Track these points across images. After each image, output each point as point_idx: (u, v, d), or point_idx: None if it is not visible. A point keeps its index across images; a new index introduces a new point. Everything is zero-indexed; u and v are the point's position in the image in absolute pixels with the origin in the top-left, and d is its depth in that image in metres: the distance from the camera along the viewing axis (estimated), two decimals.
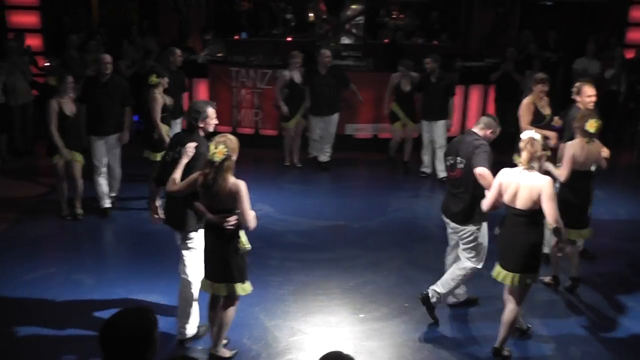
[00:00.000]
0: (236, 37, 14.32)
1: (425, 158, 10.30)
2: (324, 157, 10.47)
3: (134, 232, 7.93)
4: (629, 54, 12.13)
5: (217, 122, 5.67)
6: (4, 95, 10.10)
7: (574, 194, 6.41)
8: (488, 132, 5.91)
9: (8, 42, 10.76)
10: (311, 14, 15.80)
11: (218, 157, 4.85)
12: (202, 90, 11.26)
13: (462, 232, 5.94)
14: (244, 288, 5.17)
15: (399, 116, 10.18)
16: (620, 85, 11.72)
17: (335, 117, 10.28)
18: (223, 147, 4.86)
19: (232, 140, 4.98)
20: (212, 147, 4.90)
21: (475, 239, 5.91)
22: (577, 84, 7.15)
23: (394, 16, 16.77)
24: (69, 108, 7.81)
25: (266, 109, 11.11)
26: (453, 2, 14.99)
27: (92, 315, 5.77)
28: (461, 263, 6.03)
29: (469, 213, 5.85)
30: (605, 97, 11.59)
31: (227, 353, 5.36)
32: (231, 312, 5.24)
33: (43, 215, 8.41)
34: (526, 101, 7.83)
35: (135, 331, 2.80)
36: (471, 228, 5.89)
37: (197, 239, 5.41)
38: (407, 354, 5.57)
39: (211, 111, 5.54)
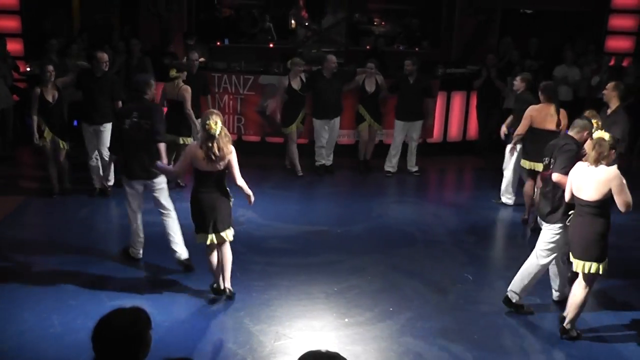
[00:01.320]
0: (218, 43, 14.29)
1: (394, 159, 10.47)
2: (328, 162, 10.55)
3: (117, 236, 7.88)
4: (611, 62, 12.25)
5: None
6: None
7: None
8: (584, 134, 6.14)
9: None
10: (293, 21, 15.82)
11: (221, 130, 5.85)
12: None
13: (548, 229, 6.15)
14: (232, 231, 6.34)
15: (364, 117, 10.33)
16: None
17: (338, 120, 10.36)
18: (220, 121, 5.87)
19: (220, 113, 6.02)
20: (212, 123, 5.80)
21: (555, 238, 6.10)
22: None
23: (375, 23, 16.86)
24: (51, 95, 8.58)
25: (248, 115, 11.07)
26: (434, 10, 15.07)
27: (73, 321, 5.72)
28: (533, 260, 6.28)
29: (554, 212, 6.09)
30: (595, 104, 11.68)
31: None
32: (229, 250, 6.34)
33: (25, 219, 8.38)
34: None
35: (127, 331, 2.78)
36: (554, 227, 6.08)
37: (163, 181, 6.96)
38: (392, 358, 5.56)
39: (153, 82, 7.07)
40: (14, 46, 12.07)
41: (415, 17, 15.61)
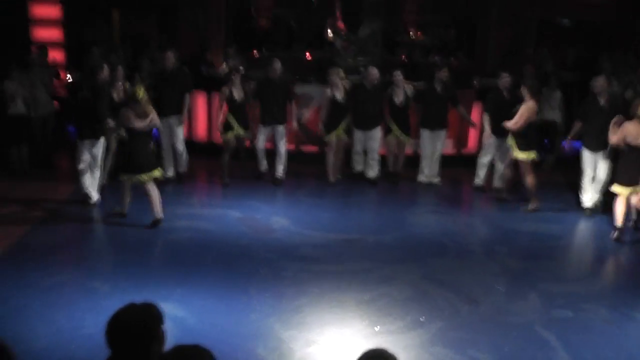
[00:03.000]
0: (254, 52, 14.44)
1: (427, 169, 10.47)
2: (372, 173, 10.51)
3: (149, 241, 7.96)
4: None
5: None
6: (25, 107, 10.22)
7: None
8: None
9: (30, 55, 10.90)
10: (329, 31, 15.88)
11: (143, 96, 7.99)
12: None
13: None
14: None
15: (392, 129, 10.33)
16: None
17: (378, 131, 10.34)
18: (143, 89, 8.09)
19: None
20: (139, 91, 7.97)
21: None
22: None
23: (411, 34, 16.87)
24: (116, 94, 9.44)
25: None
26: (470, 21, 15.04)
27: (105, 321, 5.79)
28: None
29: None
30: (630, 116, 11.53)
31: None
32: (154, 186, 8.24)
33: (59, 223, 8.52)
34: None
35: (140, 325, 2.84)
36: None
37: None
38: None
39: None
40: (56, 55, 12.36)
41: (451, 29, 15.58)
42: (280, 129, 10.22)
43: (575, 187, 9.95)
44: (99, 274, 6.89)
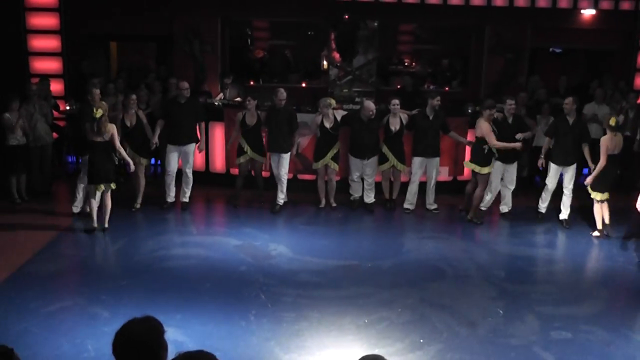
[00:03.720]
0: (252, 82, 14.61)
1: (413, 196, 10.59)
2: (368, 199, 10.61)
3: (149, 267, 8.00)
4: (639, 99, 12.25)
5: None
6: (24, 137, 10.32)
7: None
8: None
9: (30, 86, 11.02)
10: (325, 62, 16.08)
11: (102, 115, 8.79)
12: (218, 132, 11.44)
13: None
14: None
15: (387, 157, 10.42)
16: (635, 132, 11.71)
17: (374, 159, 10.42)
18: (101, 110, 8.81)
19: (104, 104, 9.11)
20: (96, 112, 8.78)
21: None
22: None
23: (406, 64, 17.09)
24: (129, 121, 9.99)
25: None
26: (463, 49, 15.26)
27: (107, 346, 5.81)
28: None
29: None
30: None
31: None
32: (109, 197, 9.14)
33: (59, 251, 8.58)
34: (484, 125, 9.80)
35: (146, 335, 2.92)
36: None
37: None
38: None
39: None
40: (55, 86, 12.47)
41: (444, 57, 15.80)
42: (284, 157, 10.36)
43: (572, 211, 10.14)
44: (99, 301, 6.92)
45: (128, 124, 9.98)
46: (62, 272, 7.97)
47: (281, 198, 10.46)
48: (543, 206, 10.30)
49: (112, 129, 9.03)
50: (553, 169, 9.99)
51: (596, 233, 9.59)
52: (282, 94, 10.28)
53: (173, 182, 10.35)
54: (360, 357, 2.71)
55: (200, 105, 10.76)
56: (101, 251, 8.68)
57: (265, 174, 10.88)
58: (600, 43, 14.40)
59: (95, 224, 9.13)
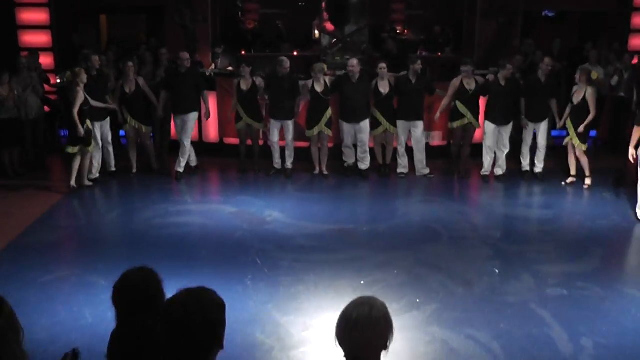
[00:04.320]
0: (243, 52, 14.52)
1: (403, 159, 10.56)
2: (363, 165, 10.54)
3: (145, 236, 8.00)
4: (634, 60, 12.20)
5: None
6: (16, 110, 10.26)
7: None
8: None
9: (20, 60, 10.94)
10: (317, 31, 16.00)
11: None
12: (211, 102, 11.38)
13: None
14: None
15: (380, 122, 10.38)
16: (631, 93, 11.69)
17: (366, 123, 10.35)
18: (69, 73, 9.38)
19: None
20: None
21: None
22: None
23: (398, 31, 17.00)
24: (128, 87, 10.16)
25: None
26: (456, 14, 15.17)
27: (105, 313, 5.83)
28: None
29: None
30: (615, 103, 11.68)
31: None
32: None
33: (55, 222, 8.58)
34: (455, 80, 10.23)
35: (143, 283, 3.00)
36: None
37: None
38: (420, 346, 5.59)
39: None
40: (45, 60, 12.40)
41: (437, 23, 15.71)
42: (289, 123, 10.36)
43: (565, 174, 10.20)
44: (96, 269, 6.91)
45: (127, 90, 10.15)
46: (58, 242, 7.98)
47: (290, 163, 10.55)
48: (525, 164, 10.50)
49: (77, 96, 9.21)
50: (529, 127, 10.33)
51: (570, 180, 10.15)
52: (287, 62, 10.27)
53: (180, 152, 10.38)
54: (353, 299, 2.70)
55: (200, 75, 10.86)
56: (97, 221, 8.67)
57: (260, 142, 10.86)
58: (593, 5, 14.31)
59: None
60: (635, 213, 8.65)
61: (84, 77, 9.36)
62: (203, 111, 10.61)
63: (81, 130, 9.28)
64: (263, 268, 7.08)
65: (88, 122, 9.48)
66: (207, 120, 11.03)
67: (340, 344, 2.58)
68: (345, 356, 2.57)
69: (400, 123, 10.37)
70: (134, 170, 10.46)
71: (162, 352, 2.65)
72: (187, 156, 10.38)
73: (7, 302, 2.37)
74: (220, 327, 2.47)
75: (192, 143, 10.66)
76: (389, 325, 2.59)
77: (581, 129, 9.74)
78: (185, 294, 2.46)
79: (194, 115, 10.38)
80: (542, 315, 6.11)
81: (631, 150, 8.58)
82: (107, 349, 3.08)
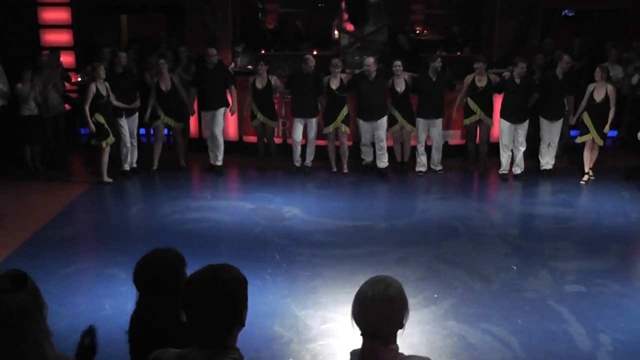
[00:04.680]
0: (263, 51, 14.56)
1: (423, 157, 10.56)
2: (382, 163, 10.51)
3: (165, 230, 8.08)
4: None
5: None
6: (37, 108, 10.39)
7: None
8: None
9: (41, 57, 11.08)
10: (336, 31, 16.01)
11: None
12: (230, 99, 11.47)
13: None
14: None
15: (397, 119, 10.39)
16: None
17: (383, 121, 10.35)
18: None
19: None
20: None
21: None
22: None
23: (417, 31, 16.97)
24: (164, 85, 10.28)
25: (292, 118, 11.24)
26: (475, 13, 15.11)
27: (125, 304, 5.91)
28: None
29: None
30: (635, 102, 11.59)
31: None
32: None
33: (75, 217, 8.71)
34: (468, 77, 10.30)
35: (166, 266, 2.99)
36: None
37: None
38: (437, 339, 5.61)
39: None
40: (66, 58, 12.53)
41: (456, 22, 15.68)
42: (313, 121, 10.41)
43: (580, 171, 10.25)
44: (116, 262, 6.98)
45: (163, 88, 10.29)
46: (79, 235, 8.10)
47: (310, 160, 10.61)
48: (543, 162, 10.45)
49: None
50: (545, 124, 10.27)
51: (586, 177, 10.18)
52: (312, 61, 10.35)
53: (214, 146, 10.52)
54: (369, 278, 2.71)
55: (228, 70, 10.97)
56: (117, 216, 8.76)
57: (277, 140, 10.91)
58: (612, 3, 14.22)
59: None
60: None
61: (101, 72, 9.58)
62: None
63: (92, 126, 9.48)
64: (281, 263, 7.13)
65: (99, 115, 9.57)
66: (228, 118, 11.07)
67: (357, 322, 2.60)
68: (361, 334, 2.59)
69: (420, 121, 10.39)
70: (155, 167, 10.53)
71: (181, 332, 2.71)
72: (222, 149, 10.50)
73: (32, 278, 2.42)
74: (242, 303, 2.49)
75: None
76: (404, 303, 2.60)
77: (607, 128, 9.77)
78: (208, 269, 2.49)
79: (222, 111, 10.50)
80: (560, 311, 6.10)
81: None
82: (128, 329, 3.13)
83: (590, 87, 9.91)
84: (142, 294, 3.04)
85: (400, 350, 2.62)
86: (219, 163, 10.54)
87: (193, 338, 2.47)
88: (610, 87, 9.73)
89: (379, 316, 2.53)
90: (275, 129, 10.94)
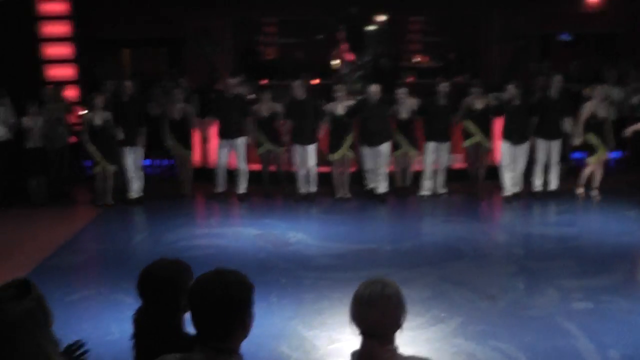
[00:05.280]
0: (263, 81, 14.70)
1: (429, 182, 10.59)
2: (381, 189, 10.53)
3: (170, 256, 8.02)
4: None
5: None
6: (42, 140, 10.47)
7: None
8: None
9: (45, 91, 11.18)
10: (335, 61, 16.16)
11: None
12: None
13: None
14: None
15: (400, 144, 10.44)
16: None
17: (386, 146, 10.39)
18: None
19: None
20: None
21: None
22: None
23: (415, 60, 17.18)
24: (176, 114, 10.52)
25: None
26: (472, 40, 15.28)
27: (131, 329, 5.89)
28: None
29: None
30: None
31: None
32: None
33: (80, 246, 8.73)
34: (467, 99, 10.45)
35: (168, 277, 2.97)
36: None
37: None
38: (446, 357, 5.58)
39: None
40: (70, 92, 12.65)
41: (453, 50, 15.86)
42: (310, 148, 10.44)
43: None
44: (122, 288, 6.96)
45: (175, 116, 10.51)
46: (84, 264, 8.11)
47: (314, 187, 10.61)
48: (538, 183, 10.50)
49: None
50: (541, 145, 10.35)
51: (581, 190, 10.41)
52: (298, 85, 10.48)
53: (223, 175, 10.61)
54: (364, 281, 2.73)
55: (246, 100, 11.05)
56: (122, 244, 8.74)
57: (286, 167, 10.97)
58: (610, 26, 14.39)
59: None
60: None
61: (97, 103, 10.03)
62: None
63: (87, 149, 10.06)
64: (287, 286, 7.13)
65: (90, 145, 10.11)
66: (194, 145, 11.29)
67: (355, 322, 2.63)
68: (359, 334, 2.61)
69: (430, 145, 10.46)
70: (186, 192, 10.85)
71: (182, 342, 2.71)
72: (247, 177, 10.64)
73: (36, 286, 2.43)
74: (245, 307, 2.48)
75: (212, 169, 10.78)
76: (401, 303, 2.63)
77: (630, 131, 10.10)
78: (215, 271, 2.51)
79: (242, 140, 10.53)
80: (567, 328, 6.08)
81: None
82: (132, 334, 3.14)
83: (588, 106, 10.03)
84: (144, 302, 3.05)
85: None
86: (243, 191, 10.65)
87: (197, 340, 2.49)
88: (606, 104, 10.09)
89: (376, 315, 2.57)
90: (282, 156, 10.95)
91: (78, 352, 2.91)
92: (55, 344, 2.49)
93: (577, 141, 10.23)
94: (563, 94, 10.33)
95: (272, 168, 10.85)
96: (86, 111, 10.79)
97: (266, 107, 10.43)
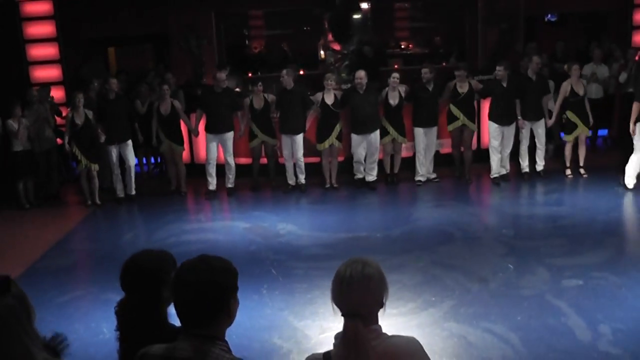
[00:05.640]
0: (249, 74, 14.67)
1: (423, 167, 10.57)
2: (370, 177, 10.53)
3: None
4: (637, 56, 12.20)
5: None
6: (29, 142, 10.42)
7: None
8: None
9: (31, 93, 11.12)
10: (322, 51, 16.13)
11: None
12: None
13: None
14: None
15: (388, 131, 10.41)
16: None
17: (376, 134, 10.37)
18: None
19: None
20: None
21: None
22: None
23: (402, 46, 17.15)
24: (164, 109, 10.46)
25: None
26: (458, 23, 15.26)
27: None
28: None
29: None
30: (625, 100, 11.66)
31: None
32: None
33: (70, 247, 8.72)
34: (450, 83, 10.43)
35: (152, 268, 2.94)
36: None
37: None
38: (437, 341, 5.60)
39: None
40: (56, 93, 12.57)
41: (439, 34, 15.84)
42: (298, 138, 10.39)
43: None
44: (112, 287, 6.75)
45: (163, 112, 10.44)
46: (74, 265, 8.12)
47: (302, 178, 10.57)
48: (524, 165, 10.54)
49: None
50: (525, 127, 10.38)
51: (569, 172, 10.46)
52: (285, 75, 10.35)
53: (214, 170, 10.48)
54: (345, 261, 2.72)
55: (235, 95, 10.94)
56: (112, 244, 8.72)
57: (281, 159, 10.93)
58: (595, 5, 14.37)
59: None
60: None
61: (77, 101, 10.03)
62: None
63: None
64: (278, 277, 7.13)
65: (72, 143, 10.07)
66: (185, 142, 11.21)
67: (337, 303, 2.61)
68: (342, 315, 2.60)
69: (418, 130, 10.45)
70: (173, 187, 10.78)
71: (166, 334, 2.70)
72: (234, 171, 10.55)
73: (16, 283, 2.42)
74: (229, 292, 2.48)
75: (200, 164, 10.75)
76: (383, 281, 2.62)
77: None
78: (199, 257, 2.50)
79: (230, 134, 10.45)
80: (558, 306, 6.11)
81: (632, 126, 8.98)
82: (117, 326, 3.11)
83: (567, 84, 10.10)
84: (126, 294, 3.03)
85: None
86: (231, 185, 10.56)
87: (181, 328, 2.47)
88: (583, 82, 10.25)
89: (358, 295, 2.55)
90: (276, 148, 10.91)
91: (59, 346, 2.88)
92: (38, 341, 2.47)
93: (552, 120, 10.26)
94: (542, 74, 10.33)
95: (263, 160, 10.80)
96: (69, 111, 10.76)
97: (259, 98, 10.37)
